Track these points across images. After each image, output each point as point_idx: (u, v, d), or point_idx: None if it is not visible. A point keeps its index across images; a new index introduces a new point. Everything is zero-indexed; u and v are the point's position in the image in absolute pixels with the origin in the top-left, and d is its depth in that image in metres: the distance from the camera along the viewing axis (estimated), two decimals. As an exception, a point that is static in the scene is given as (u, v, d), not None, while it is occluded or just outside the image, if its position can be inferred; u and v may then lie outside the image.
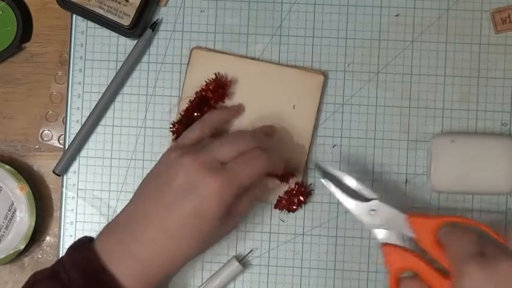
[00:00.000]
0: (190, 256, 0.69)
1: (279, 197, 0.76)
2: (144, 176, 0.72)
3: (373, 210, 0.69)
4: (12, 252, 0.77)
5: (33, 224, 0.77)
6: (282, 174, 0.74)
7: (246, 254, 0.77)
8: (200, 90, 0.76)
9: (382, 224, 0.69)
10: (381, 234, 0.69)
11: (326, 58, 0.77)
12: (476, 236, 0.63)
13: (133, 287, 0.66)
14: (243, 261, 0.76)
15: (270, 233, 0.77)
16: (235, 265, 0.75)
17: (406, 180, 0.76)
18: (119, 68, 0.78)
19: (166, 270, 0.68)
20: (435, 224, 0.67)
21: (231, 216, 0.69)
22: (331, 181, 0.70)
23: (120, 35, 0.78)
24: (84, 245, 0.68)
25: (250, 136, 0.70)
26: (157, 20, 0.78)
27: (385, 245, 0.68)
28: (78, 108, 0.78)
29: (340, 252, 0.77)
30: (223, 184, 0.66)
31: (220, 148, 0.68)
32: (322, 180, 0.70)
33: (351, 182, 0.70)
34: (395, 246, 0.68)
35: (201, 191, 0.66)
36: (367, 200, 0.69)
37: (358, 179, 0.69)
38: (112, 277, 0.66)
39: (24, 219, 0.77)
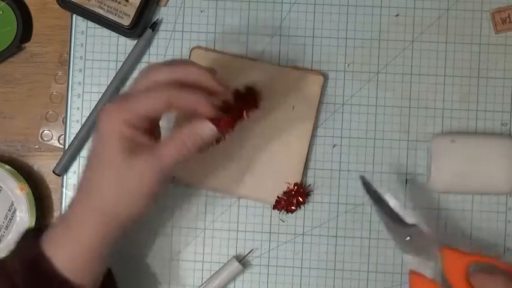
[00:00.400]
0: (120, 215, 0.63)
1: (278, 197, 0.76)
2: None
3: (410, 236, 0.68)
4: (12, 252, 0.77)
5: (33, 224, 0.77)
6: (217, 119, 0.64)
7: (246, 254, 0.77)
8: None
9: (415, 250, 0.68)
10: (411, 260, 0.68)
11: (326, 58, 0.77)
12: (503, 279, 0.63)
13: (69, 267, 0.62)
14: (243, 261, 0.76)
15: (270, 233, 0.77)
16: (235, 265, 0.75)
17: (406, 180, 0.76)
18: (119, 68, 0.78)
19: (100, 240, 0.63)
20: (466, 261, 0.66)
21: (153, 159, 0.62)
22: (374, 198, 0.69)
23: (120, 35, 0.78)
24: (30, 232, 0.67)
25: (155, 71, 0.64)
26: (157, 20, 0.78)
27: (412, 273, 0.67)
28: (78, 108, 0.79)
29: (340, 252, 0.77)
30: (112, 110, 0.62)
31: (131, 87, 0.65)
32: (366, 195, 0.69)
33: (393, 203, 0.69)
34: (422, 276, 0.67)
35: (96, 127, 0.63)
36: (406, 224, 0.68)
37: (401, 202, 0.68)
38: (48, 261, 0.62)
39: (24, 219, 0.77)
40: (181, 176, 0.77)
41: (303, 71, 0.77)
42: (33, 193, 0.77)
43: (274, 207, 0.76)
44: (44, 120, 0.80)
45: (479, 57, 0.77)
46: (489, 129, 0.76)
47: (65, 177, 0.78)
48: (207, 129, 0.63)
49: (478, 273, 0.65)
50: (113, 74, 0.78)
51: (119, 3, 0.76)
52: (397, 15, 0.77)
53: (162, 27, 0.79)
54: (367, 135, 0.77)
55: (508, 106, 0.76)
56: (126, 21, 0.76)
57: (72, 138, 0.78)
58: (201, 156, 0.76)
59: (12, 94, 0.80)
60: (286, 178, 0.76)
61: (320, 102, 0.77)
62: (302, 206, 0.76)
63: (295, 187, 0.76)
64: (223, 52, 0.78)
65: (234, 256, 0.76)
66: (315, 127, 0.77)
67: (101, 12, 0.77)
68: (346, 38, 0.77)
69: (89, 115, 0.78)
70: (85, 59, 0.79)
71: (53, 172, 0.78)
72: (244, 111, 0.66)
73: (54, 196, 0.79)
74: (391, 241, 0.76)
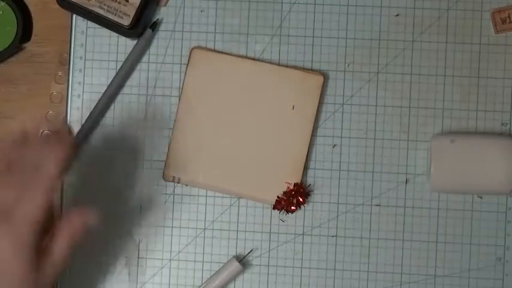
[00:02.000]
0: None
1: (278, 197, 0.76)
2: (144, 176, 0.72)
3: None
4: (12, 252, 0.77)
5: (33, 224, 0.76)
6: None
7: (246, 254, 0.77)
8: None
9: None
10: None
11: (326, 58, 0.77)
12: None
13: None
14: (243, 261, 0.76)
15: (270, 233, 0.77)
16: (235, 265, 0.75)
17: (406, 180, 0.76)
18: (119, 68, 0.78)
19: None
20: None
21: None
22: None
23: (120, 35, 0.78)
24: None
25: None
26: (157, 20, 0.78)
27: None
28: (78, 108, 0.79)
29: (340, 252, 0.77)
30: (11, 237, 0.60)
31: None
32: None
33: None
34: None
35: None
36: None
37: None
38: None
39: (24, 219, 0.77)
40: (181, 176, 0.77)
41: (303, 71, 0.77)
42: (33, 193, 0.77)
43: (274, 207, 0.76)
44: (44, 120, 0.80)
45: (479, 57, 0.77)
46: (489, 129, 0.76)
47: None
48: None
49: None
50: (113, 74, 0.78)
51: (119, 3, 0.76)
52: (397, 15, 0.77)
53: (162, 27, 0.79)
54: (367, 135, 0.77)
55: (508, 106, 0.76)
56: (126, 21, 0.76)
57: (72, 138, 0.78)
58: (201, 156, 0.77)
59: (12, 94, 0.80)
60: (286, 178, 0.76)
61: (320, 102, 0.77)
62: (302, 206, 0.76)
63: (295, 187, 0.76)
64: (223, 52, 0.78)
65: (234, 256, 0.76)
66: (315, 127, 0.77)
67: (101, 12, 0.77)
68: (346, 38, 0.77)
69: (89, 115, 0.78)
70: (85, 59, 0.79)
71: (53, 172, 0.78)
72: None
73: (54, 196, 0.79)
74: (391, 241, 0.76)
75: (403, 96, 0.77)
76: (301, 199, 0.76)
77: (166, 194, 0.78)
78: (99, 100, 0.78)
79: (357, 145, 0.77)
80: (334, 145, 0.77)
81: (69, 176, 0.78)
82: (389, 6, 0.77)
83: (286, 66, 0.77)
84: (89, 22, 0.78)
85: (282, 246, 0.77)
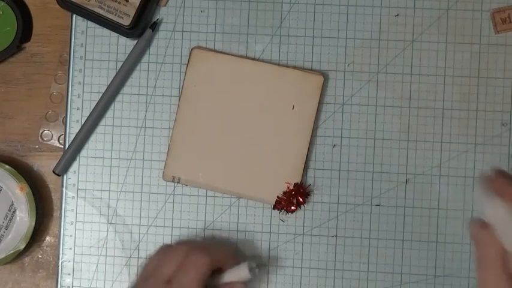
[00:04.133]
0: None
1: (278, 197, 0.76)
2: (144, 176, 0.73)
3: None
4: (12, 252, 0.77)
5: (33, 224, 0.77)
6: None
7: (255, 266, 0.73)
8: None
9: None
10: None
11: (326, 58, 0.77)
12: None
13: None
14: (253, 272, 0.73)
15: (270, 233, 0.77)
16: (245, 273, 0.72)
17: (406, 180, 0.76)
18: (119, 68, 0.78)
19: None
20: None
21: None
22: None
23: (120, 35, 0.78)
24: None
25: (178, 247, 0.71)
26: (157, 20, 0.78)
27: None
28: (78, 108, 0.79)
29: (340, 252, 0.77)
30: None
31: (162, 269, 0.69)
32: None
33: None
34: None
35: None
36: None
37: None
38: None
39: (24, 219, 0.77)
40: (181, 176, 0.77)
41: (303, 71, 0.77)
42: (33, 193, 0.77)
43: (274, 207, 0.76)
44: (44, 120, 0.80)
45: (479, 57, 0.77)
46: (489, 129, 0.76)
47: (65, 177, 0.78)
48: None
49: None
50: (113, 74, 0.78)
51: (119, 3, 0.76)
52: (397, 15, 0.77)
53: (162, 27, 0.79)
54: (367, 135, 0.77)
55: (508, 106, 0.76)
56: (126, 21, 0.76)
57: (72, 138, 0.78)
58: (201, 156, 0.77)
59: (12, 94, 0.80)
60: (286, 178, 0.76)
61: (320, 102, 0.77)
62: (302, 206, 0.76)
63: (295, 187, 0.76)
64: (223, 52, 0.78)
65: (246, 262, 0.73)
66: (315, 127, 0.77)
67: (101, 12, 0.77)
68: (346, 38, 0.77)
69: (89, 115, 0.78)
70: (85, 59, 0.79)
71: (53, 172, 0.78)
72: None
73: (54, 196, 0.79)
74: (391, 241, 0.76)
75: (403, 96, 0.77)
76: (301, 199, 0.76)
77: (166, 194, 0.78)
78: (99, 100, 0.78)
79: (357, 145, 0.77)
80: (334, 145, 0.77)
81: (69, 177, 0.78)
82: (389, 6, 0.77)
83: (286, 66, 0.77)
84: (89, 22, 0.78)
85: (282, 246, 0.77)
